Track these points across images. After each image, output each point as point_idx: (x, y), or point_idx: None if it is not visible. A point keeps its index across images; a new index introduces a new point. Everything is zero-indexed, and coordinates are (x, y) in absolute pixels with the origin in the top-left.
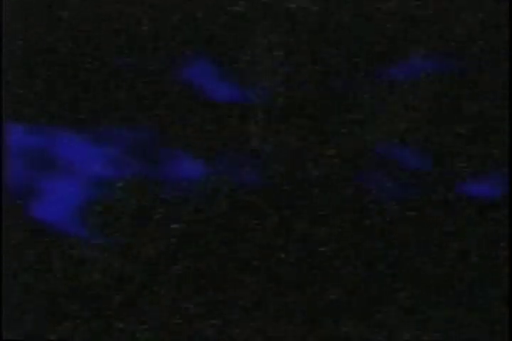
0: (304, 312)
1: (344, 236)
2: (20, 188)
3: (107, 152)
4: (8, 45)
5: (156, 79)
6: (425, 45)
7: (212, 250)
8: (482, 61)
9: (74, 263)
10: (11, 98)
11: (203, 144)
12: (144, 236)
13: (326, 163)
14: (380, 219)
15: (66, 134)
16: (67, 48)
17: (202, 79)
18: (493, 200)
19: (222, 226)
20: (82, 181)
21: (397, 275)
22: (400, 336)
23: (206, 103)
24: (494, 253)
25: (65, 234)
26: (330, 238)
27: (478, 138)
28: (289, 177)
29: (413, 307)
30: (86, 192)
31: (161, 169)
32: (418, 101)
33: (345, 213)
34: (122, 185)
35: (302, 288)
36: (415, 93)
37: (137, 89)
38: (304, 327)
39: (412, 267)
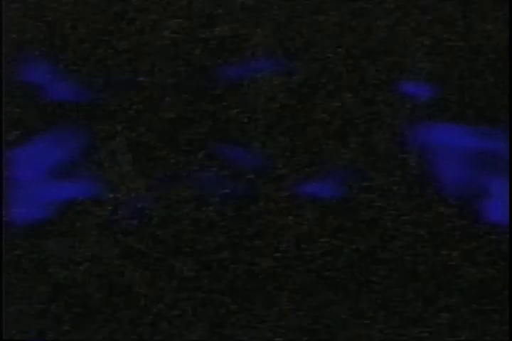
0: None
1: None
2: None
3: None
4: None
5: None
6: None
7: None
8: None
9: None
10: None
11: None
12: None
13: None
14: (218, 218)
15: None
16: None
17: (43, 79)
18: (332, 201)
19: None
20: None
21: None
22: None
23: (48, 103)
24: (343, 254)
25: None
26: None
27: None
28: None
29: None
30: None
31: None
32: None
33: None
34: None
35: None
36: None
37: None
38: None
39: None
